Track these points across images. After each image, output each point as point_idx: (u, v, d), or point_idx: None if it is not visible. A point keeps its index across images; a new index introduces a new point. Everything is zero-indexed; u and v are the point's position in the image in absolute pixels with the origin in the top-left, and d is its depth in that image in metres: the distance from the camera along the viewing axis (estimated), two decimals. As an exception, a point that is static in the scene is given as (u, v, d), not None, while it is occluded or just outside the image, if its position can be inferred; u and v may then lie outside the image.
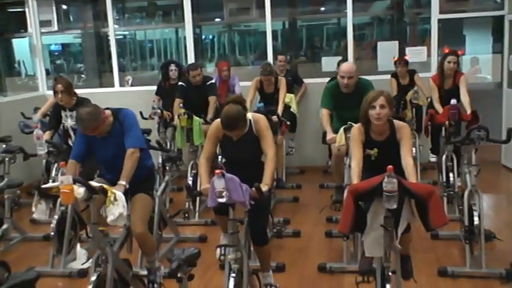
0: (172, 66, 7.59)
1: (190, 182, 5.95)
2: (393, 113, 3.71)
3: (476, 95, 6.19)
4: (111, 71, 8.65)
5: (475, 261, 4.42)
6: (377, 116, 3.56)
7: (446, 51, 6.51)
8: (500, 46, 8.88)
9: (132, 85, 8.91)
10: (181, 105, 6.45)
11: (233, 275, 3.44)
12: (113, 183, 3.77)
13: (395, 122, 3.70)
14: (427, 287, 4.01)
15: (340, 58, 7.93)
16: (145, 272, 4.12)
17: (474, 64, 11.77)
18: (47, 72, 9.36)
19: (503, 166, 7.58)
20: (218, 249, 3.84)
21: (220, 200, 3.31)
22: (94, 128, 3.81)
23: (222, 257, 3.64)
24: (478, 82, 10.40)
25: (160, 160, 6.37)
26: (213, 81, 6.98)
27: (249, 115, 3.89)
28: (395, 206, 3.08)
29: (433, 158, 6.79)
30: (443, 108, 5.98)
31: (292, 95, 7.27)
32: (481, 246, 4.37)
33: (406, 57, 7.45)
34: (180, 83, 6.90)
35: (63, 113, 5.52)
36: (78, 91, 5.62)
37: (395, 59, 7.44)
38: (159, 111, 6.99)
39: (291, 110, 7.17)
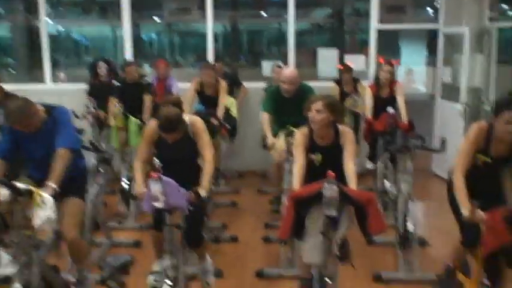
0: (101, 63, 7.36)
1: (125, 185, 5.77)
2: (338, 119, 3.68)
3: (410, 105, 6.33)
4: (43, 67, 8.30)
5: (408, 266, 4.50)
6: (312, 119, 3.55)
7: (381, 61, 6.63)
8: (433, 59, 9.16)
9: (65, 82, 8.59)
10: (116, 104, 6.26)
11: (169, 282, 3.33)
12: (42, 183, 3.56)
13: (340, 127, 3.69)
14: (362, 293, 4.03)
15: (279, 63, 7.94)
16: (74, 280, 3.92)
17: (408, 75, 12.11)
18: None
19: (434, 174, 7.78)
20: (151, 276, 3.61)
21: (157, 205, 3.20)
22: (24, 122, 3.57)
23: (156, 284, 3.46)
24: (412, 93, 10.66)
25: (93, 162, 6.16)
26: (150, 80, 6.82)
27: (186, 117, 3.81)
28: (334, 213, 3.06)
29: (369, 165, 6.88)
30: (375, 116, 6.10)
31: (233, 99, 7.19)
32: (414, 253, 4.44)
33: (351, 65, 7.52)
34: (115, 82, 6.70)
35: None
36: (6, 86, 5.33)
37: (341, 66, 7.50)
38: (93, 110, 6.75)
39: (231, 114, 7.09)
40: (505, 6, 10.01)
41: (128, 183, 5.85)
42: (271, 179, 5.50)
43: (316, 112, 3.53)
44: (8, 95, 5.06)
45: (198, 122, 3.83)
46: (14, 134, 3.72)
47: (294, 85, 5.04)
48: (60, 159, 3.58)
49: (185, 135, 3.75)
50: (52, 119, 3.73)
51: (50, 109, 3.77)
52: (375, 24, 7.87)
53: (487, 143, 3.38)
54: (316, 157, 3.64)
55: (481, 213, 3.10)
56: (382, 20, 7.93)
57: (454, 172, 3.38)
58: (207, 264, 4.07)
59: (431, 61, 10.83)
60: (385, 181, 5.81)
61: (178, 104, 3.72)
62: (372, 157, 6.64)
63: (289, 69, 5.31)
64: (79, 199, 3.85)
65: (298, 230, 3.25)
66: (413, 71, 12.28)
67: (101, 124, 6.85)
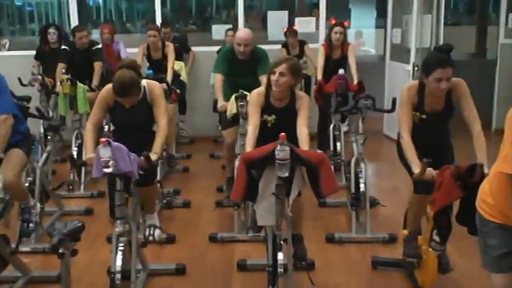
0: (51, 29, 7.16)
1: (74, 153, 5.65)
2: (297, 82, 3.68)
3: (360, 67, 6.38)
4: (-15, 33, 7.99)
5: (361, 227, 4.58)
6: (275, 83, 3.51)
7: (333, 22, 6.62)
8: (382, 21, 9.22)
9: (9, 49, 8.28)
10: (64, 70, 6.07)
11: (121, 248, 3.29)
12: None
13: (296, 91, 3.68)
14: (316, 253, 4.08)
15: (230, 27, 7.84)
16: (26, 248, 3.86)
17: (358, 37, 12.19)
18: None
19: (385, 136, 7.92)
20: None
21: (106, 170, 3.13)
22: None
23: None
24: (362, 55, 10.75)
25: (41, 129, 5.99)
26: (100, 46, 6.64)
27: (144, 82, 3.72)
28: (287, 174, 3.06)
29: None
30: (326, 78, 6.11)
31: (182, 63, 7.08)
32: (366, 213, 4.53)
33: (295, 28, 7.51)
34: (63, 47, 6.50)
35: None
36: None
37: (285, 29, 7.47)
38: (39, 77, 6.54)
39: (181, 78, 6.99)
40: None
41: (78, 150, 5.72)
42: (225, 159, 5.47)
43: (279, 75, 3.49)
44: None
45: (157, 87, 3.75)
46: None
47: (249, 46, 4.97)
48: (2, 126, 3.50)
49: (142, 101, 3.67)
50: None
51: None
52: (323, -15, 7.82)
53: (420, 100, 3.47)
54: (270, 118, 3.62)
55: (431, 171, 3.17)
56: (331, -18, 7.90)
57: (400, 136, 3.46)
58: (153, 217, 4.09)
59: (381, 23, 10.92)
60: (337, 143, 5.86)
61: (133, 67, 3.61)
62: (322, 143, 6.40)
63: (244, 30, 5.19)
64: (20, 151, 3.83)
65: (251, 193, 3.24)
66: (363, 33, 12.38)
67: (48, 91, 6.65)
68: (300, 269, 3.59)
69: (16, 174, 3.79)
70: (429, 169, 3.17)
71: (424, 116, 3.48)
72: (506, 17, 7.97)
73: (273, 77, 3.51)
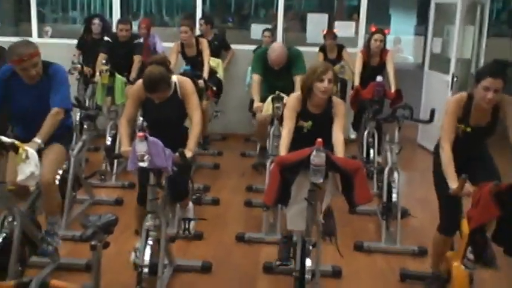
0: (96, 20, 7.27)
1: (109, 143, 5.72)
2: (336, 89, 3.67)
3: (398, 74, 6.32)
4: (29, 20, 8.12)
5: (390, 237, 4.52)
6: (324, 90, 3.49)
7: (373, 29, 6.58)
8: (422, 29, 9.10)
9: (51, 37, 8.42)
10: (104, 61, 6.15)
11: (150, 242, 3.31)
12: (26, 139, 3.48)
13: (333, 97, 3.66)
14: (343, 260, 4.04)
15: (267, 27, 7.83)
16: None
17: (397, 44, 12.07)
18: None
19: (419, 145, 7.81)
20: (133, 253, 3.61)
21: (142, 164, 3.16)
22: (26, 56, 3.46)
23: (137, 261, 3.42)
24: (400, 62, 10.64)
25: (77, 118, 6.08)
26: (141, 40, 6.71)
27: (174, 78, 3.74)
28: (321, 180, 3.05)
29: (353, 135, 6.86)
30: (363, 84, 6.06)
31: (219, 61, 7.10)
32: (397, 223, 4.47)
33: (335, 31, 7.46)
34: (106, 38, 6.58)
35: None
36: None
37: (325, 31, 7.44)
38: (79, 66, 6.65)
39: (217, 75, 7.01)
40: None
41: (112, 141, 5.78)
42: (256, 136, 5.49)
43: (329, 82, 3.48)
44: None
45: (188, 83, 3.76)
46: (5, 83, 3.62)
47: (281, 64, 5.00)
48: (52, 118, 3.53)
49: (173, 96, 3.69)
50: (47, 75, 3.64)
51: (46, 64, 3.67)
52: (366, -9, 7.77)
53: (467, 112, 3.39)
54: (307, 124, 3.60)
55: (468, 187, 3.10)
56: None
57: (440, 147, 3.38)
58: (189, 211, 4.13)
59: (421, 31, 10.78)
60: (371, 150, 5.81)
61: (163, 63, 3.63)
62: (356, 126, 6.63)
63: (275, 52, 5.15)
64: (60, 146, 3.79)
65: (283, 196, 3.23)
66: (401, 40, 12.25)
67: (86, 80, 6.74)
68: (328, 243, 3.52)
69: (54, 172, 3.73)
70: (467, 185, 3.11)
71: (468, 129, 3.40)
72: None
73: (322, 84, 3.47)
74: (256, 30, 8.21)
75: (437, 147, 3.52)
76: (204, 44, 6.59)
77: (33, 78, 3.58)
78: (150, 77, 3.51)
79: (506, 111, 3.33)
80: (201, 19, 7.64)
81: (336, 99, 3.68)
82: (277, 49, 5.16)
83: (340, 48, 7.34)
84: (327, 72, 3.49)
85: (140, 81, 3.66)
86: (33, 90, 3.63)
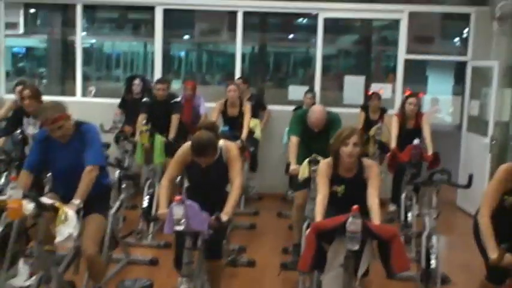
0: (137, 81, 7.49)
1: (145, 204, 5.78)
2: (362, 151, 3.68)
3: (435, 135, 6.29)
4: (75, 79, 8.44)
5: (430, 304, 4.40)
6: (349, 154, 3.52)
7: (408, 93, 6.63)
8: (460, 88, 9.07)
9: (94, 96, 8.71)
10: (144, 121, 6.30)
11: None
12: (65, 199, 3.58)
13: (364, 160, 3.68)
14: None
15: (307, 88, 7.94)
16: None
17: (434, 104, 12.02)
18: (7, 75, 9.06)
19: (458, 208, 7.66)
20: None
21: (178, 228, 3.20)
22: (50, 120, 3.63)
23: None
24: (437, 123, 10.58)
25: (116, 176, 6.20)
26: (178, 99, 6.85)
27: (221, 142, 3.81)
28: (357, 247, 3.02)
29: (392, 207, 6.75)
30: (399, 147, 6.06)
31: (257, 121, 7.22)
32: (436, 290, 4.35)
33: (381, 92, 7.52)
34: (145, 99, 6.75)
35: (25, 120, 5.29)
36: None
37: (370, 92, 7.49)
38: (119, 125, 6.82)
39: (255, 136, 7.10)
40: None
41: (149, 201, 5.84)
42: (292, 217, 5.46)
43: (354, 146, 3.51)
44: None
45: (233, 148, 3.83)
46: (44, 145, 3.77)
47: (320, 126, 5.07)
48: (87, 177, 3.63)
49: (218, 161, 3.76)
50: (80, 134, 3.78)
51: (79, 123, 3.82)
52: (402, 53, 7.87)
53: None
54: (340, 189, 3.61)
55: (509, 257, 3.02)
56: (410, 50, 7.92)
57: (480, 214, 3.32)
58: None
59: (458, 91, 10.74)
60: (409, 214, 5.73)
61: (212, 128, 3.74)
62: (395, 198, 6.52)
63: (316, 114, 5.18)
64: (101, 216, 3.87)
65: (319, 262, 3.21)
66: (439, 100, 12.19)
67: (126, 139, 6.91)
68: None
69: (97, 245, 3.76)
70: (507, 255, 3.03)
71: None
72: None
73: (347, 148, 3.51)
74: (294, 91, 8.35)
75: (477, 212, 3.46)
76: (248, 106, 6.74)
77: (62, 138, 3.72)
78: (199, 141, 3.59)
79: None
80: (238, 78, 7.81)
81: (367, 162, 3.68)
82: (317, 111, 5.22)
83: (383, 110, 7.40)
84: (352, 136, 3.52)
85: (187, 144, 3.74)
86: (67, 149, 3.76)
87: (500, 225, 3.24)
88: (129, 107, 7.34)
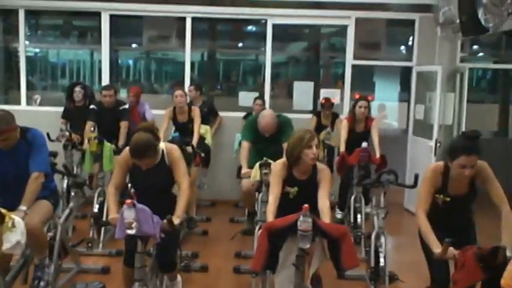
0: (78, 88, 7.35)
1: (96, 210, 5.70)
2: (323, 155, 3.77)
3: (383, 140, 6.45)
4: (19, 88, 8.24)
5: (379, 302, 4.49)
6: (313, 156, 3.57)
7: (357, 96, 6.76)
8: (406, 95, 9.33)
9: (40, 104, 8.52)
10: (92, 128, 6.21)
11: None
12: (9, 206, 3.49)
13: (318, 163, 3.74)
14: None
15: (256, 95, 8.00)
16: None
17: (382, 110, 12.31)
18: None
19: (406, 209, 7.86)
20: None
21: (130, 232, 3.17)
22: (3, 131, 3.56)
23: None
24: (385, 128, 10.84)
25: (64, 185, 6.09)
26: (126, 106, 6.79)
27: (162, 145, 3.79)
28: (308, 246, 3.07)
29: (338, 215, 6.86)
30: (348, 150, 6.18)
31: (207, 127, 7.22)
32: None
33: (333, 100, 7.62)
34: (92, 106, 6.66)
35: None
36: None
37: (323, 101, 7.59)
38: (67, 133, 6.70)
39: (206, 142, 7.10)
40: (476, 48, 10.30)
41: (100, 208, 5.77)
42: (244, 204, 5.53)
43: (316, 147, 3.57)
44: None
45: (175, 150, 3.81)
46: None
47: (271, 131, 5.14)
48: (33, 183, 3.59)
49: (161, 163, 3.73)
50: (26, 141, 3.72)
51: (24, 130, 3.75)
52: (350, 59, 8.02)
53: (445, 183, 3.48)
54: (293, 190, 3.66)
55: (452, 251, 3.14)
56: (357, 56, 8.09)
57: (416, 215, 3.46)
58: (177, 284, 4.11)
59: (404, 97, 11.04)
60: (358, 215, 5.85)
61: (151, 130, 3.69)
62: (342, 206, 6.62)
63: (265, 119, 5.30)
64: (47, 202, 3.89)
65: (271, 262, 3.24)
66: (386, 106, 12.50)
67: (74, 147, 6.78)
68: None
69: (41, 221, 3.80)
70: (451, 249, 3.14)
71: (447, 199, 3.48)
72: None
73: (311, 151, 3.56)
74: (244, 97, 8.39)
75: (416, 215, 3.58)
76: (196, 111, 6.71)
77: (6, 146, 3.67)
78: (137, 144, 3.54)
79: (482, 177, 3.41)
80: (190, 85, 7.81)
81: (320, 165, 3.75)
82: (267, 116, 5.28)
83: (335, 116, 7.51)
84: (314, 139, 3.59)
85: (127, 148, 3.71)
86: (11, 156, 3.70)
87: (437, 222, 3.37)
88: (73, 115, 7.21)
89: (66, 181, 6.16)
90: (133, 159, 3.63)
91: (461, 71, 7.74)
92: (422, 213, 3.40)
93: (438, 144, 7.14)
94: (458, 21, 6.23)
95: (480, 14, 5.45)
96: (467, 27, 5.97)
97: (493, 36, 6.48)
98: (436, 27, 7.34)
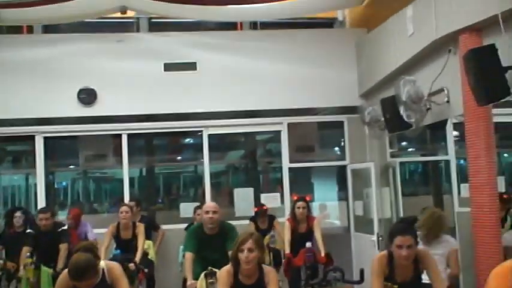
0: (18, 213, 7.17)
1: None
2: (263, 255, 3.74)
3: (327, 239, 6.52)
4: None
5: None
6: (245, 260, 3.54)
7: (295, 198, 6.90)
8: (344, 193, 9.56)
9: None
10: (28, 254, 5.99)
11: None
12: None
13: (264, 266, 3.72)
14: None
15: (197, 204, 8.00)
16: None
17: (323, 210, 12.47)
18: None
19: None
20: None
21: None
22: None
23: None
24: (328, 227, 10.92)
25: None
26: (65, 227, 6.63)
27: (103, 263, 3.70)
28: None
29: None
30: (293, 251, 6.21)
31: (150, 242, 7.11)
32: None
33: (265, 208, 7.70)
34: (28, 230, 6.48)
35: None
36: None
37: (257, 209, 7.65)
38: (1, 261, 6.42)
39: (149, 257, 6.95)
40: (404, 143, 10.77)
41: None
42: None
43: (248, 251, 3.53)
44: None
45: (116, 267, 3.72)
46: None
47: (217, 214, 5.15)
48: None
49: (102, 283, 3.61)
50: None
51: None
52: (286, 163, 8.23)
53: (391, 270, 3.56)
54: None
55: None
56: (293, 159, 8.32)
57: None
58: None
59: (343, 195, 11.28)
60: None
61: (90, 249, 3.60)
62: None
63: (209, 204, 5.45)
64: None
65: None
66: (326, 206, 12.68)
67: (10, 276, 6.48)
68: None
69: None
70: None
71: (395, 286, 3.53)
72: (458, 187, 8.36)
73: (243, 255, 3.54)
74: (185, 208, 8.37)
75: None
76: (141, 228, 6.65)
77: None
78: (76, 265, 3.43)
79: (425, 263, 3.54)
80: (130, 201, 7.73)
81: (266, 268, 3.74)
82: (209, 203, 5.39)
83: (272, 219, 7.56)
84: (247, 242, 3.56)
85: (66, 271, 3.58)
86: None
87: None
88: (10, 242, 6.95)
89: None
90: (73, 281, 3.50)
91: (393, 165, 8.04)
92: None
93: (380, 238, 7.26)
94: (382, 119, 6.58)
95: (402, 111, 5.79)
96: (391, 124, 6.31)
97: (417, 131, 6.85)
98: (363, 127, 7.71)
